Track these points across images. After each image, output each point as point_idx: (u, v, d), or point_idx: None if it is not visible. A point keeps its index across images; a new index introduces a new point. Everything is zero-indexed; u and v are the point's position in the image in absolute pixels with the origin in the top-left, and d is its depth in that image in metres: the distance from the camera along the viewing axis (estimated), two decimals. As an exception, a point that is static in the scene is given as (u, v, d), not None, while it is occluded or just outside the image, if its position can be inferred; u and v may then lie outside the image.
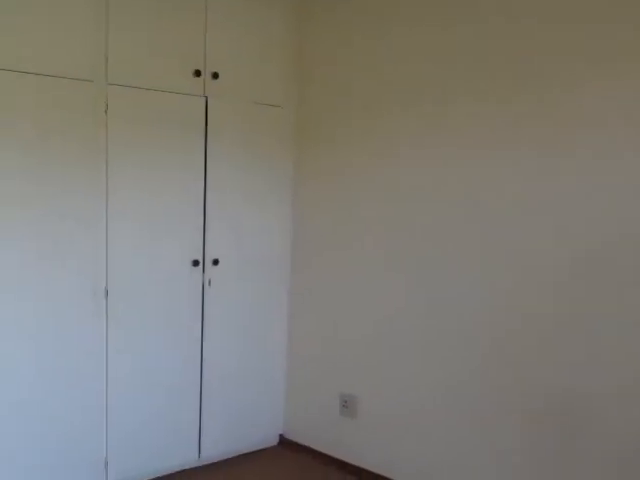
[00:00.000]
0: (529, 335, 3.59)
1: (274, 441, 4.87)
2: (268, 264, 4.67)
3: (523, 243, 3.59)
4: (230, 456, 4.59)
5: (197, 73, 4.14)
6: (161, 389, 4.18)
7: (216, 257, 4.34)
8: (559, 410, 3.51)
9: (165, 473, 4.26)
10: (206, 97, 4.21)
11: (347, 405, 4.46)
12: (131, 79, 3.89)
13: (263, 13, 4.47)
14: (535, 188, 3.54)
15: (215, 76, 4.22)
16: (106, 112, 3.79)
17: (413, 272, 4.07)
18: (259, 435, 4.75)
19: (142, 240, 4.03)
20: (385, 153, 4.20)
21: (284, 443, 4.86)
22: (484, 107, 3.71)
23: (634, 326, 3.25)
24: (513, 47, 3.58)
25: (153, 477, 4.21)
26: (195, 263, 4.24)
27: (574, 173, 3.41)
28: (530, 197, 3.56)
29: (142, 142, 3.97)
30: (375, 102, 4.24)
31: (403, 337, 4.14)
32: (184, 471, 4.35)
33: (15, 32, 3.46)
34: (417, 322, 4.06)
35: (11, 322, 3.55)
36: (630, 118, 3.22)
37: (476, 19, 3.73)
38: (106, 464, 3.97)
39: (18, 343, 3.58)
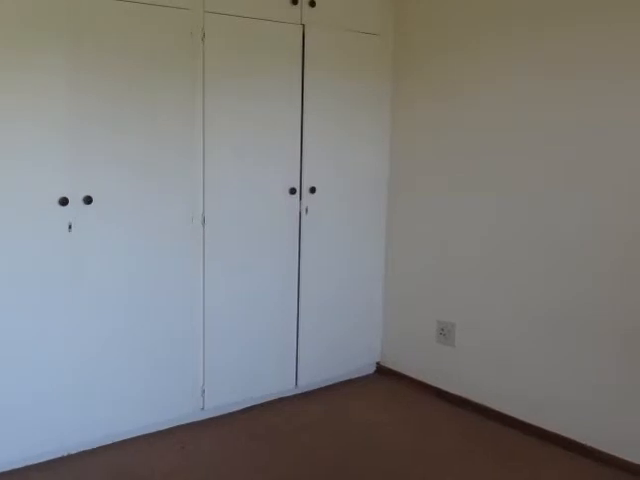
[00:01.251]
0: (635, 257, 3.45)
1: (371, 369, 4.82)
2: (365, 192, 4.57)
3: (632, 162, 3.42)
4: (327, 384, 4.56)
5: (294, 1, 4.00)
6: (258, 317, 4.15)
7: (313, 185, 4.25)
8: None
9: (262, 401, 4.25)
10: (303, 25, 4.07)
11: (444, 333, 4.38)
12: (228, 7, 3.76)
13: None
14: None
15: (312, 4, 4.07)
16: (203, 40, 3.69)
17: (514, 196, 3.94)
18: (356, 363, 4.70)
19: (239, 168, 3.95)
20: (482, 80, 4.05)
21: (381, 371, 4.81)
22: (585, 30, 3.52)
23: None
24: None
25: (250, 405, 4.20)
26: (292, 191, 4.16)
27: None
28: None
29: (239, 70, 3.85)
30: (471, 29, 4.07)
31: (501, 264, 4.03)
32: (281, 399, 4.33)
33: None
34: (516, 249, 3.94)
35: (110, 251, 3.53)
36: None
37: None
38: (203, 392, 3.96)
39: (116, 272, 3.56)
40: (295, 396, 4.39)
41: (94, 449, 3.62)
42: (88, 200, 3.39)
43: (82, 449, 3.59)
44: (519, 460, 3.65)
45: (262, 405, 4.23)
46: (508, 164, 3.95)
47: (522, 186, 3.90)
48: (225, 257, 3.96)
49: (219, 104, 3.81)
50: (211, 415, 4.04)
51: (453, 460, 3.64)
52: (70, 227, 3.36)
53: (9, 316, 3.26)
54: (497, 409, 4.09)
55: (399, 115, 4.57)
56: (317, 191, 4.27)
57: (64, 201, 3.32)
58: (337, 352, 4.55)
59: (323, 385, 4.53)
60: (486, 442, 3.86)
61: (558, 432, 3.81)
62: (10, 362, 3.29)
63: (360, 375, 4.74)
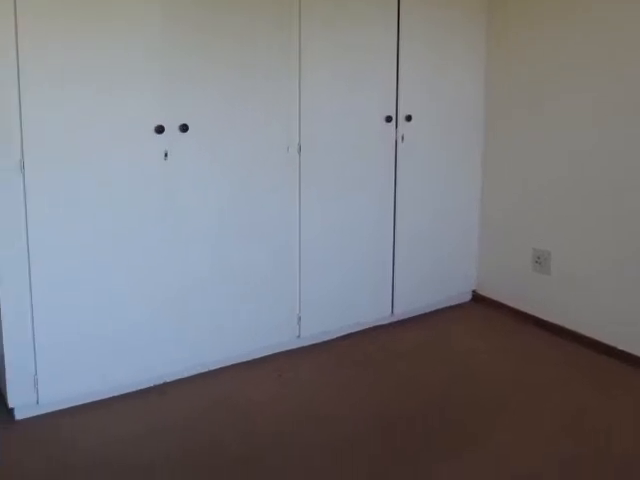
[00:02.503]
0: None
1: (467, 297, 4.71)
2: (461, 121, 4.42)
3: None
4: (423, 312, 4.47)
5: None
6: (354, 245, 4.07)
7: (409, 113, 4.10)
8: None
9: (358, 329, 4.19)
10: (399, -50, 3.93)
11: (540, 261, 4.24)
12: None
13: None
14: None
15: None
16: (297, -34, 3.59)
17: (610, 125, 3.75)
18: (452, 291, 4.60)
19: (335, 96, 3.83)
20: (577, 8, 3.87)
21: (477, 299, 4.70)
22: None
23: None
24: None
25: (345, 333, 4.15)
26: (388, 119, 4.03)
27: None
28: None
29: (334, -4, 3.75)
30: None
31: (598, 193, 3.87)
32: (377, 327, 4.26)
33: None
34: (613, 178, 3.78)
35: (205, 179, 3.47)
36: None
37: None
38: (299, 320, 3.91)
39: (211, 200, 3.50)
40: (391, 324, 4.31)
41: (191, 377, 3.60)
42: (184, 128, 3.33)
43: (179, 377, 3.58)
44: (619, 388, 3.53)
45: (358, 333, 4.17)
46: (606, 95, 3.77)
47: (620, 116, 3.72)
48: (321, 186, 3.87)
49: (315, 31, 3.69)
50: (307, 343, 4.00)
51: (552, 388, 3.53)
52: (166, 155, 3.30)
53: (106, 244, 3.23)
54: (594, 337, 3.96)
55: (494, 43, 4.41)
56: (413, 119, 4.13)
57: (160, 129, 3.26)
58: (433, 280, 4.45)
59: (419, 313, 4.45)
60: (584, 370, 3.75)
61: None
62: (108, 291, 3.27)
63: (456, 303, 4.64)
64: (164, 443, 3.03)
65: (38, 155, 3.01)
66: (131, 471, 2.82)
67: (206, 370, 3.67)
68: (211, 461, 2.89)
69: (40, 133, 3.00)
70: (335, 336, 4.10)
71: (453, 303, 4.63)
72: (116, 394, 3.42)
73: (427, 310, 4.49)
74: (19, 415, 3.19)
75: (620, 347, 3.83)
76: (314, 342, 4.02)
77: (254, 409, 3.33)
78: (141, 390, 3.47)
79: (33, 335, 3.12)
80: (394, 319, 4.34)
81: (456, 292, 4.63)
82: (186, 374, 3.61)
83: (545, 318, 4.25)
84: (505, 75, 4.36)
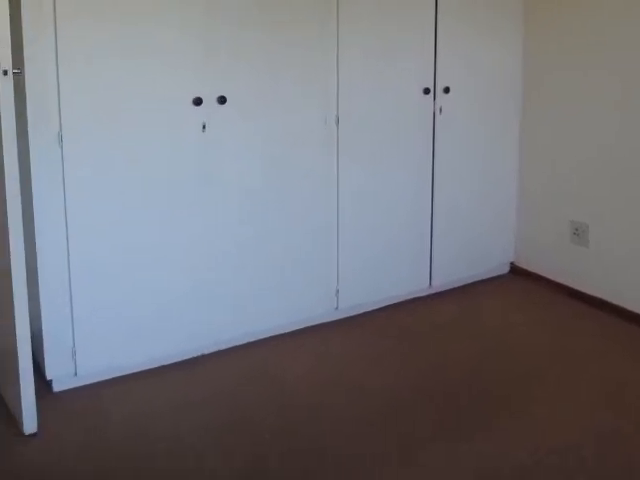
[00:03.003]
0: None
1: (505, 269, 4.66)
2: (499, 93, 4.36)
3: None
4: (461, 284, 4.43)
5: None
6: (392, 218, 4.03)
7: (447, 85, 4.05)
8: None
9: (395, 301, 4.16)
10: None
11: (578, 233, 4.18)
12: None
13: None
14: None
15: None
16: None
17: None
18: (490, 263, 4.55)
19: (372, 68, 3.78)
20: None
21: (515, 271, 4.65)
22: None
23: None
24: None
25: (383, 305, 4.12)
26: (426, 91, 3.97)
27: None
28: None
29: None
30: None
31: (635, 166, 3.82)
32: (415, 299, 4.23)
33: None
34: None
35: (243, 151, 3.44)
36: None
37: None
38: (337, 292, 3.89)
39: (248, 172, 3.48)
40: (429, 296, 4.27)
41: (229, 349, 3.60)
42: (222, 100, 3.30)
43: (217, 349, 3.58)
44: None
45: (395, 305, 4.14)
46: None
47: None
48: (359, 158, 3.83)
49: (353, 4, 3.64)
50: (345, 315, 3.97)
51: (590, 360, 3.49)
52: (204, 127, 3.29)
53: (144, 216, 3.23)
54: (633, 310, 3.90)
55: (532, 17, 4.33)
56: (451, 91, 4.07)
57: (198, 101, 3.23)
58: (471, 252, 4.40)
59: (457, 285, 4.41)
60: (624, 342, 3.69)
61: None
62: (146, 262, 3.27)
63: (494, 275, 4.59)
64: (201, 415, 3.03)
65: (76, 127, 3.00)
66: (168, 442, 2.83)
67: (244, 342, 3.66)
68: (248, 433, 2.89)
69: (78, 106, 2.99)
70: (373, 308, 4.08)
71: (491, 275, 4.58)
72: (154, 366, 3.42)
73: (465, 282, 4.45)
74: (57, 387, 3.20)
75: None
76: (352, 314, 4.00)
77: (291, 381, 3.32)
78: (179, 362, 3.47)
79: (71, 306, 3.13)
80: (432, 291, 4.30)
81: (494, 264, 4.57)
82: (224, 346, 3.60)
83: (583, 290, 4.20)
84: (543, 49, 4.29)
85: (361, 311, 4.03)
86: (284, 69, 3.50)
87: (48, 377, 3.14)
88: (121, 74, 3.07)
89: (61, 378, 3.20)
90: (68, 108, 2.97)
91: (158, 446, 2.81)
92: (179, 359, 3.48)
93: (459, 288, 4.40)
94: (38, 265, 3.03)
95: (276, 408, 3.09)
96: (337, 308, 3.92)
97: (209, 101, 3.28)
